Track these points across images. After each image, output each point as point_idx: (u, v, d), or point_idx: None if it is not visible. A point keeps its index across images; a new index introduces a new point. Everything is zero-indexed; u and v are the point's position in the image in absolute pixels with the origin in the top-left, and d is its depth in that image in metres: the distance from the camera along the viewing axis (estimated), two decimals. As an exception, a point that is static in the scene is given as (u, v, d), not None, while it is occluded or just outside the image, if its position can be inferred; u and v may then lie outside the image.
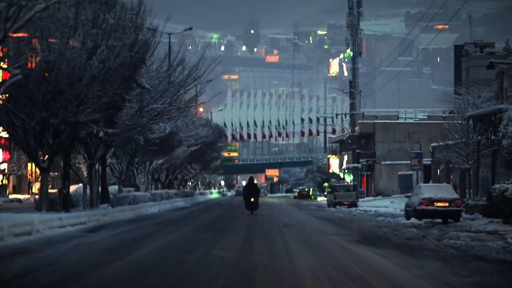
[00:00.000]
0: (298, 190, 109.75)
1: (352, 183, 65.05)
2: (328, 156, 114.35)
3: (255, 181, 48.41)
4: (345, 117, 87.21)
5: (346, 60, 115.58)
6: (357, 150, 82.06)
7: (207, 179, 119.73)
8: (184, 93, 40.61)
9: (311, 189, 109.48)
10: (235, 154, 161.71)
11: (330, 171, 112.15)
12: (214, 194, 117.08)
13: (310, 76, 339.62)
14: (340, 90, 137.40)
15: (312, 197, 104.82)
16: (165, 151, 51.39)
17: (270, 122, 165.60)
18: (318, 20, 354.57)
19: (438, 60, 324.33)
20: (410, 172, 74.01)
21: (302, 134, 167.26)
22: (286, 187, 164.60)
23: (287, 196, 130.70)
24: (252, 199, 44.39)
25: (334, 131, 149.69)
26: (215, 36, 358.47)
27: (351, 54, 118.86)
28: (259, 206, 45.66)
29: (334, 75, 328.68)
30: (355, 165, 78.07)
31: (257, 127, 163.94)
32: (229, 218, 39.57)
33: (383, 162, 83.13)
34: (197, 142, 63.97)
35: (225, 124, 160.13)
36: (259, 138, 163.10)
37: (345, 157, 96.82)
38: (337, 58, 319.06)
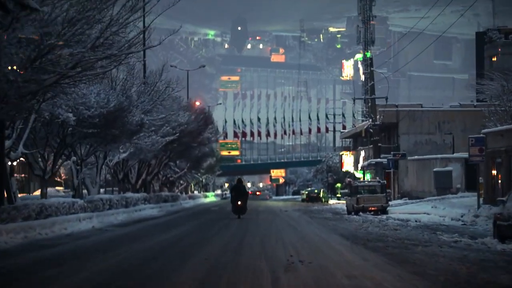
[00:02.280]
0: (307, 192, 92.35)
1: (380, 182, 47.63)
2: (341, 153, 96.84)
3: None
4: (364, 103, 70.32)
5: (363, 62, 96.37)
6: (379, 144, 64.67)
7: (203, 181, 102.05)
8: (118, 30, 23.10)
9: (321, 191, 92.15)
10: (236, 152, 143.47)
11: (343, 170, 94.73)
12: (210, 197, 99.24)
13: (319, 77, 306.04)
14: (354, 97, 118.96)
15: (323, 200, 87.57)
16: (116, 139, 34.12)
17: (275, 119, 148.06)
18: (332, 14, 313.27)
19: None
20: (449, 168, 56.84)
21: (310, 131, 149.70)
22: (293, 188, 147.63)
23: (294, 198, 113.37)
24: (240, 203, 39.33)
25: (344, 128, 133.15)
26: (211, 32, 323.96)
27: (368, 55, 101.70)
28: (247, 209, 40.70)
29: (347, 78, 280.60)
30: (379, 160, 60.65)
31: (261, 124, 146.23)
32: (196, 242, 22.33)
33: (410, 158, 65.52)
34: (174, 131, 46.73)
35: (225, 121, 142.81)
36: (264, 137, 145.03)
37: (362, 153, 79.47)
38: (351, 60, 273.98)
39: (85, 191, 40.11)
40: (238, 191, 39.96)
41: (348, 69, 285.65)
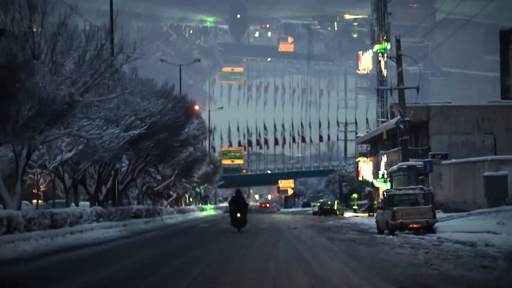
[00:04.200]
0: (319, 204, 78.60)
1: (423, 190, 33.83)
2: (357, 160, 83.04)
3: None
4: (388, 94, 56.80)
5: (386, 55, 75.92)
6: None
7: (201, 192, 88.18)
8: None
9: (335, 202, 78.37)
10: (240, 161, 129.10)
11: (360, 178, 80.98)
12: (208, 210, 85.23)
13: (330, 68, 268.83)
14: (370, 91, 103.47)
15: (338, 212, 74.01)
16: (29, 123, 20.72)
17: (283, 127, 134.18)
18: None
19: None
20: (504, 173, 43.00)
21: (321, 139, 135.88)
22: (303, 200, 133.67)
23: (305, 211, 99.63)
24: (239, 215, 35.87)
25: (357, 135, 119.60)
26: (210, 19, 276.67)
27: (388, 45, 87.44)
28: (248, 222, 37.04)
29: (364, 72, 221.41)
30: (411, 163, 46.98)
31: (268, 132, 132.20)
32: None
33: (445, 162, 51.63)
34: (143, 124, 33.36)
35: (229, 130, 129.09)
36: (271, 146, 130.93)
37: (384, 158, 65.83)
38: (370, 51, 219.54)
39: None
40: (237, 203, 36.68)
41: (366, 61, 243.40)
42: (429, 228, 32.14)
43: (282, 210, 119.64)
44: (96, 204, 38.93)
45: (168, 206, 61.31)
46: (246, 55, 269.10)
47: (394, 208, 32.08)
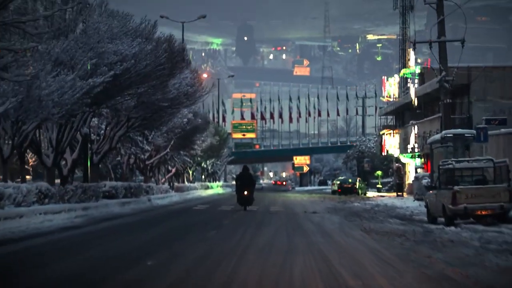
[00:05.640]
0: (338, 182, 68.83)
1: (493, 162, 24.12)
2: (382, 132, 73.09)
3: (251, 171, 40.28)
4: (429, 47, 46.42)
5: (416, 80, 58.91)
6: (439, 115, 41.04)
7: (208, 168, 78.47)
8: None
9: (357, 180, 68.70)
10: (252, 135, 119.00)
11: (384, 153, 71.18)
12: (214, 188, 75.24)
13: (349, 92, 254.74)
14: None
15: (360, 192, 64.47)
16: None
17: (298, 99, 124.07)
18: (370, 19, 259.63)
19: None
20: None
21: (338, 113, 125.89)
22: (319, 178, 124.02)
23: (321, 190, 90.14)
24: (246, 192, 33.30)
25: (376, 110, 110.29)
26: (217, 41, 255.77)
27: (417, 69, 73.68)
28: (254, 200, 34.29)
29: (390, 99, 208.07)
30: (458, 131, 37.23)
31: (284, 105, 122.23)
32: None
33: (492, 132, 41.69)
34: (110, 70, 23.92)
35: (241, 102, 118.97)
36: (286, 121, 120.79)
37: (414, 129, 56.11)
38: (396, 76, 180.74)
39: None
40: (244, 180, 33.99)
41: (391, 87, 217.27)
42: (502, 216, 22.60)
43: (297, 188, 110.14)
44: (60, 180, 29.81)
45: (166, 184, 52.00)
46: (259, 79, 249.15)
47: (456, 188, 22.50)
